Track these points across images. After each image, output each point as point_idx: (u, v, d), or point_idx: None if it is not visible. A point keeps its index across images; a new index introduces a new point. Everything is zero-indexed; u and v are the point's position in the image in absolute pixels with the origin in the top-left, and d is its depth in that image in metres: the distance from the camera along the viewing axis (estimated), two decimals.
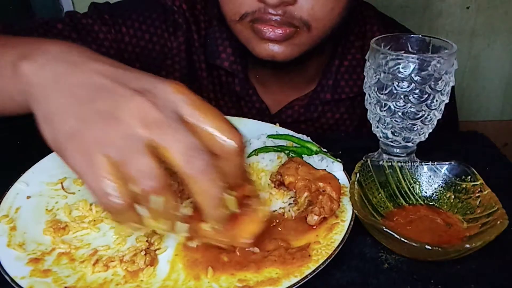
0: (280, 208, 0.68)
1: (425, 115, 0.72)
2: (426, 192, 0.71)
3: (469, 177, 0.68)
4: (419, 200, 0.70)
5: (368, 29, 1.02)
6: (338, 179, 0.67)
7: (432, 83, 0.69)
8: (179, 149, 0.46)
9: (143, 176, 0.46)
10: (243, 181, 0.53)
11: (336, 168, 0.74)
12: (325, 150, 0.74)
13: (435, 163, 0.71)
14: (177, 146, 0.46)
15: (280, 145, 0.74)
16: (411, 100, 0.70)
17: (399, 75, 0.69)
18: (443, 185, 0.70)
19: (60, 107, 0.50)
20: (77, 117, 0.48)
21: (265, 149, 0.73)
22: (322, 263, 0.57)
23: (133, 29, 0.98)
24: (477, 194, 0.66)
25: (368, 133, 0.80)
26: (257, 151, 0.73)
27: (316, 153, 0.74)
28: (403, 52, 0.73)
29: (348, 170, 0.73)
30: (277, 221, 0.66)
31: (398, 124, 0.73)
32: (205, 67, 1.02)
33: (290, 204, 0.68)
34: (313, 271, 0.56)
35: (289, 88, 1.03)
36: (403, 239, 0.57)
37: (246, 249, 0.59)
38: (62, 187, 0.72)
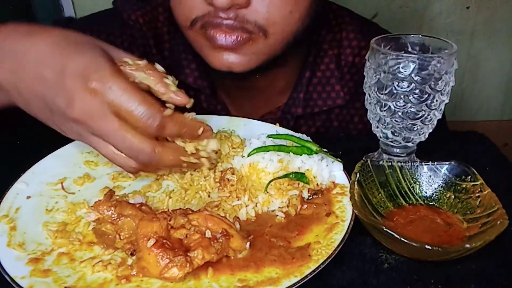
0: (278, 208, 0.68)
1: (425, 115, 0.72)
2: (426, 192, 0.71)
3: (469, 177, 0.68)
4: (419, 200, 0.70)
5: (344, 37, 0.96)
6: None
7: (432, 83, 0.69)
8: (122, 149, 0.62)
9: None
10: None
11: (336, 168, 0.74)
12: (325, 149, 0.74)
13: (435, 163, 0.71)
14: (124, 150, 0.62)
15: (280, 145, 0.74)
16: (411, 100, 0.70)
17: (399, 75, 0.69)
18: (443, 185, 0.70)
19: (29, 103, 0.63)
20: (49, 120, 0.64)
21: (265, 148, 0.73)
22: (322, 263, 0.57)
23: None
24: (477, 194, 0.66)
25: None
26: (257, 151, 0.73)
27: (316, 152, 0.74)
28: (403, 52, 0.73)
29: (348, 170, 0.73)
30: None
31: (398, 124, 0.73)
32: None
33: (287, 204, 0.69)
34: (313, 271, 0.56)
35: (259, 101, 0.97)
36: (403, 239, 0.57)
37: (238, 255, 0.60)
38: (62, 187, 0.72)
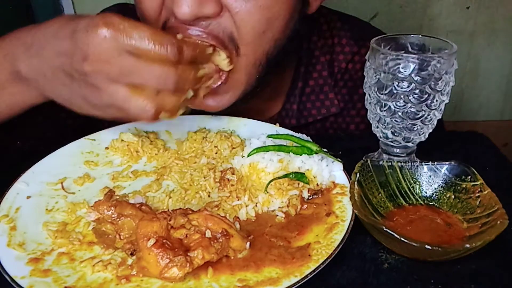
0: (278, 208, 0.68)
1: (425, 115, 0.72)
2: (426, 192, 0.71)
3: (469, 177, 0.68)
4: (419, 200, 0.70)
5: (337, 43, 0.94)
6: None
7: (432, 83, 0.69)
8: (148, 80, 0.61)
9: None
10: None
11: (336, 168, 0.74)
12: (325, 149, 0.74)
13: (435, 163, 0.71)
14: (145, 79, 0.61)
15: (280, 145, 0.74)
16: (411, 100, 0.70)
17: (399, 75, 0.69)
18: (443, 185, 0.70)
19: (53, 82, 0.65)
20: (72, 91, 0.64)
21: (265, 148, 0.73)
22: (322, 263, 0.57)
23: None
24: (477, 194, 0.66)
25: (367, 132, 0.80)
26: (257, 151, 0.73)
27: (316, 152, 0.74)
28: (403, 52, 0.73)
29: (348, 170, 0.73)
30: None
31: (398, 124, 0.73)
32: None
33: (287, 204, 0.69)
34: (313, 270, 0.56)
35: (249, 111, 0.91)
36: (403, 239, 0.58)
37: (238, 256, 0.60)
38: (62, 187, 0.72)
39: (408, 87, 0.70)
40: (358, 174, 0.69)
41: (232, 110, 0.85)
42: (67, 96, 0.66)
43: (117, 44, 0.59)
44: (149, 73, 0.60)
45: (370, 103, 0.75)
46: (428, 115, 0.72)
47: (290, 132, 0.81)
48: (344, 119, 0.99)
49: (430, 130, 0.75)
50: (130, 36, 0.59)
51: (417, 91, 0.70)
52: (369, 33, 0.93)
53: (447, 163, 0.71)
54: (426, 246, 0.57)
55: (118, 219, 0.62)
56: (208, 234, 0.58)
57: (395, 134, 0.75)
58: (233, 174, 0.71)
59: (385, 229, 0.59)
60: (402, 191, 0.71)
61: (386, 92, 0.71)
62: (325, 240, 0.61)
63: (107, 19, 0.59)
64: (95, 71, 0.60)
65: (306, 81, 0.94)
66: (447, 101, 0.73)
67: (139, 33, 0.59)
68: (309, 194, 0.70)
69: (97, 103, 0.63)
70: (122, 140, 0.81)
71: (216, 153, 0.79)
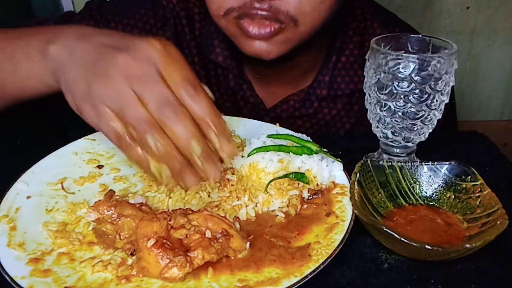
0: (278, 208, 0.68)
1: (425, 115, 0.72)
2: (426, 192, 0.71)
3: (469, 177, 0.68)
4: (419, 200, 0.70)
5: (369, 26, 1.01)
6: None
7: (432, 83, 0.69)
8: (152, 100, 0.58)
9: (137, 122, 0.58)
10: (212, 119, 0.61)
11: (336, 168, 0.74)
12: (325, 149, 0.74)
13: (435, 163, 0.71)
14: (151, 97, 0.58)
15: (280, 145, 0.74)
16: (411, 100, 0.70)
17: (399, 75, 0.69)
18: (443, 185, 0.70)
19: (74, 75, 0.62)
20: (85, 81, 0.61)
21: (265, 148, 0.73)
22: (322, 263, 0.57)
23: (122, 24, 0.98)
24: (477, 194, 0.66)
25: (366, 131, 0.80)
26: (257, 151, 0.73)
27: (316, 152, 0.74)
28: (403, 52, 0.73)
29: (348, 170, 0.73)
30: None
31: (398, 124, 0.73)
32: (198, 61, 1.01)
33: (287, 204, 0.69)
34: (313, 271, 0.56)
35: (284, 82, 1.02)
36: (403, 239, 0.58)
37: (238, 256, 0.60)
38: (62, 187, 0.72)
39: (408, 87, 0.70)
40: (358, 174, 0.69)
41: (270, 81, 1.00)
42: (74, 79, 0.63)
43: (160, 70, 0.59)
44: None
45: (370, 103, 0.75)
46: (428, 115, 0.72)
47: (290, 132, 0.81)
48: None
49: (430, 130, 0.75)
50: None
51: (417, 91, 0.70)
52: (398, 22, 1.06)
53: (447, 163, 0.71)
54: (426, 246, 0.57)
55: (118, 219, 0.62)
56: (208, 234, 0.58)
57: (395, 134, 0.75)
58: (233, 174, 0.71)
59: (385, 229, 0.59)
60: (402, 191, 0.71)
61: (386, 92, 0.71)
62: (325, 240, 0.61)
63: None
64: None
65: (339, 57, 1.00)
66: (447, 101, 0.73)
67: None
68: (309, 194, 0.70)
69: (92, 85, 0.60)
70: None
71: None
